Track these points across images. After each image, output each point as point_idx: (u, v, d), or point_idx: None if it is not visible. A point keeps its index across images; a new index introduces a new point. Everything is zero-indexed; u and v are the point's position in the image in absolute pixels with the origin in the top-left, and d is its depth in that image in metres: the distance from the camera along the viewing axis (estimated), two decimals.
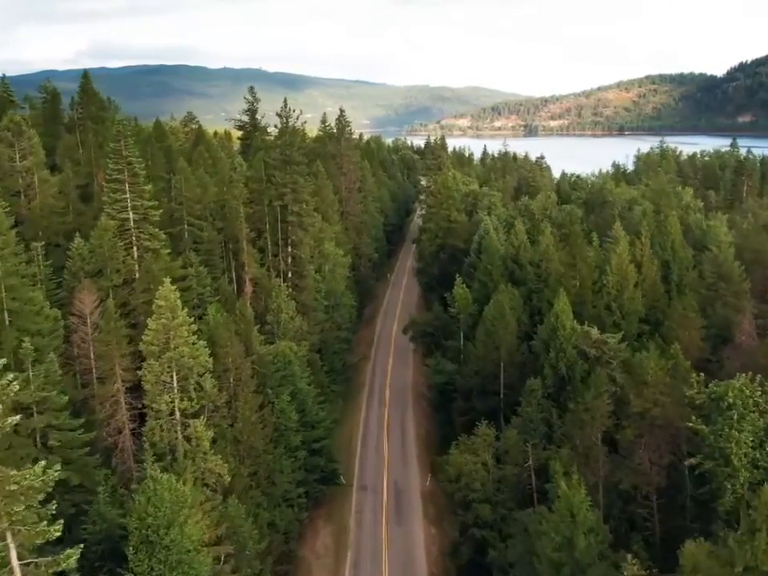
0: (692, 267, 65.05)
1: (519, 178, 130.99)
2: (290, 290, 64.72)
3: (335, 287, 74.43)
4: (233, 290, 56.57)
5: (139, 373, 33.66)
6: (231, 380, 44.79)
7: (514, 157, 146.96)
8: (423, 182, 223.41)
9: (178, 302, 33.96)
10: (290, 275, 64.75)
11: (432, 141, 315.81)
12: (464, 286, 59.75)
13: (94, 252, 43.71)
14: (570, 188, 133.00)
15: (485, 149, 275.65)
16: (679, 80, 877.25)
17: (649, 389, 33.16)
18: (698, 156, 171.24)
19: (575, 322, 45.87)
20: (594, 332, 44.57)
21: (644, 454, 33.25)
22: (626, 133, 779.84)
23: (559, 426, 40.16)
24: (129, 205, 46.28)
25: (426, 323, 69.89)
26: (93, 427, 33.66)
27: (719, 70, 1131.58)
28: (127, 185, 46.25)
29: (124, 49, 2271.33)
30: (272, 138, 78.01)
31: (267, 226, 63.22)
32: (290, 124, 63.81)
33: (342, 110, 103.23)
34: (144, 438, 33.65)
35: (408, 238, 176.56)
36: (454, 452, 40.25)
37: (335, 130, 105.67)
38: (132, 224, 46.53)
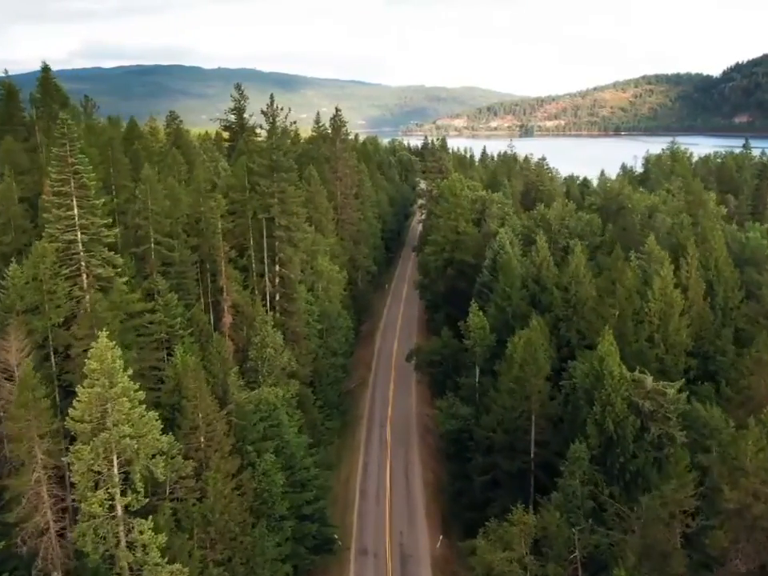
0: (738, 288, 56.78)
1: (526, 182, 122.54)
2: (278, 314, 56.14)
3: (330, 309, 65.90)
4: (209, 320, 47.97)
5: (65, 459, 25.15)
6: (201, 440, 36.25)
7: (515, 158, 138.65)
8: (422, 185, 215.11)
9: (119, 362, 25.39)
10: (277, 297, 56.18)
11: (430, 141, 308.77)
12: (480, 313, 51.17)
13: (28, 283, 35.07)
14: (580, 193, 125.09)
15: (484, 150, 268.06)
16: (675, 80, 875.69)
17: (748, 478, 24.84)
18: (712, 158, 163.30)
19: (622, 366, 37.43)
20: (649, 380, 36.24)
21: (741, 564, 24.94)
22: (623, 133, 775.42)
23: (611, 504, 31.77)
24: (76, 223, 37.62)
25: (433, 352, 61.34)
26: (8, 531, 25.14)
27: (715, 70, 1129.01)
28: (74, 198, 37.60)
29: (118, 49, 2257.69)
30: (260, 140, 69.42)
31: (251, 242, 54.66)
32: (278, 124, 55.06)
33: (337, 110, 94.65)
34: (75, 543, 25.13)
35: (407, 244, 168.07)
36: (482, 543, 31.79)
37: (330, 131, 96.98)
38: (80, 247, 37.86)
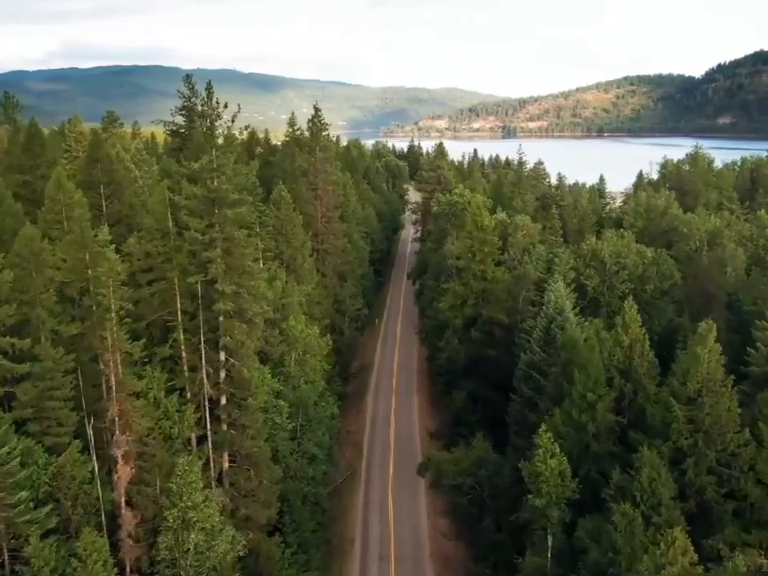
0: None
1: (542, 195, 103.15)
2: (225, 428, 35.67)
3: (306, 395, 45.54)
4: (91, 477, 27.41)
5: None
6: None
7: (522, 165, 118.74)
8: (413, 196, 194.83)
9: None
10: (223, 402, 35.71)
11: (418, 144, 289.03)
12: (555, 445, 30.85)
13: None
14: (605, 211, 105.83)
15: (475, 153, 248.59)
16: (657, 81, 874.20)
17: None
18: (737, 164, 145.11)
19: None
20: None
21: None
22: (606, 134, 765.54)
23: None
24: None
25: (461, 471, 40.61)
26: None
27: (697, 71, 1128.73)
28: None
29: (97, 49, 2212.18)
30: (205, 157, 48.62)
31: (179, 318, 34.24)
32: (220, 130, 34.51)
33: (316, 110, 74.12)
34: None
35: (397, 262, 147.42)
36: None
37: (308, 135, 76.21)
38: None
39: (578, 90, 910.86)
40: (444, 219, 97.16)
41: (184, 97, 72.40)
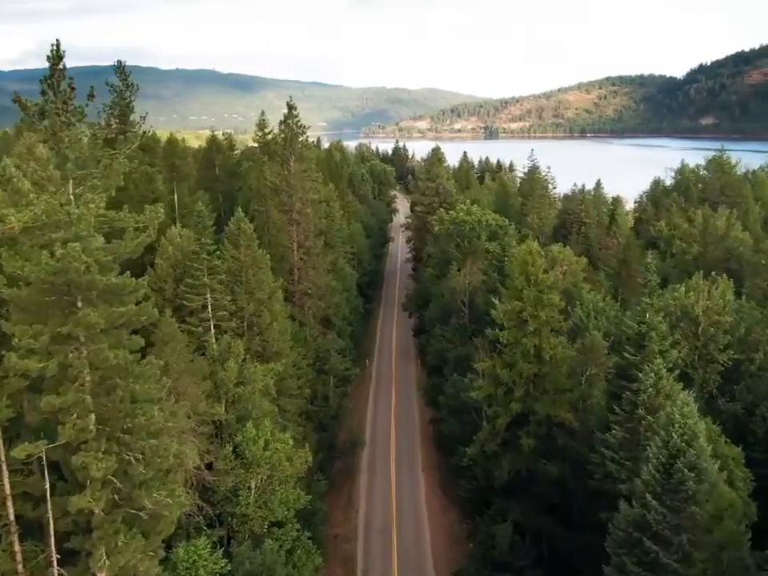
0: None
1: (563, 210, 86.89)
2: None
3: (271, 561, 28.43)
4: None
5: None
6: None
7: (536, 173, 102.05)
8: (399, 203, 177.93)
9: None
10: None
11: (402, 145, 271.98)
12: None
13: None
14: (644, 231, 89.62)
15: (465, 156, 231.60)
16: (639, 81, 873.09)
17: None
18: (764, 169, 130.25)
19: None
20: None
21: None
22: (589, 135, 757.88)
23: None
24: None
25: None
26: None
27: (678, 71, 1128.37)
28: None
29: (73, 49, 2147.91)
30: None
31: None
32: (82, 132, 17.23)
33: (290, 107, 56.54)
34: None
35: (387, 281, 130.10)
36: None
37: (281, 142, 58.32)
38: None
39: (559, 90, 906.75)
40: (446, 240, 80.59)
41: (116, 91, 55.08)
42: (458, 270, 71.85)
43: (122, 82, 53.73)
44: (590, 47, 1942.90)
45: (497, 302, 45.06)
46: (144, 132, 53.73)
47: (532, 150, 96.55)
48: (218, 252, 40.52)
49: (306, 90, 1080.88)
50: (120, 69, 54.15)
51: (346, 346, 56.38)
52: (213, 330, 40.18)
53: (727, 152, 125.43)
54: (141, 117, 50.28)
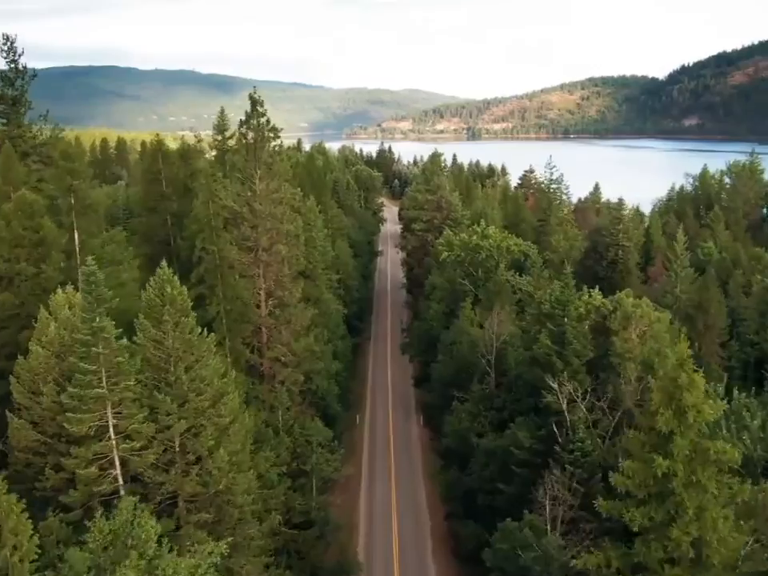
0: None
1: (596, 230, 71.65)
2: None
3: None
4: None
5: None
6: None
7: (557, 185, 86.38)
8: (387, 211, 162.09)
9: None
10: None
11: (388, 148, 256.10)
12: None
13: None
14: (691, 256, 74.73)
15: (454, 159, 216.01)
16: (621, 82, 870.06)
17: None
18: None
19: None
20: None
21: None
22: (572, 136, 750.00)
23: None
24: None
25: None
26: None
27: (660, 72, 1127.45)
28: None
29: (50, 49, 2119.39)
30: None
31: None
32: None
33: (254, 101, 40.32)
34: None
35: (377, 305, 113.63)
36: None
37: (243, 150, 41.80)
38: None
39: (542, 91, 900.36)
40: (454, 268, 65.14)
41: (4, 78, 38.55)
42: (472, 308, 56.43)
43: (9, 64, 37.23)
44: (573, 48, 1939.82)
45: (554, 384, 30.70)
46: (48, 136, 37.58)
47: (550, 156, 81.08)
48: (127, 340, 24.52)
49: (288, 90, 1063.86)
50: (8, 44, 37.55)
51: (330, 435, 40.10)
52: (119, 471, 24.15)
53: (758, 156, 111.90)
54: (41, 116, 34.52)
